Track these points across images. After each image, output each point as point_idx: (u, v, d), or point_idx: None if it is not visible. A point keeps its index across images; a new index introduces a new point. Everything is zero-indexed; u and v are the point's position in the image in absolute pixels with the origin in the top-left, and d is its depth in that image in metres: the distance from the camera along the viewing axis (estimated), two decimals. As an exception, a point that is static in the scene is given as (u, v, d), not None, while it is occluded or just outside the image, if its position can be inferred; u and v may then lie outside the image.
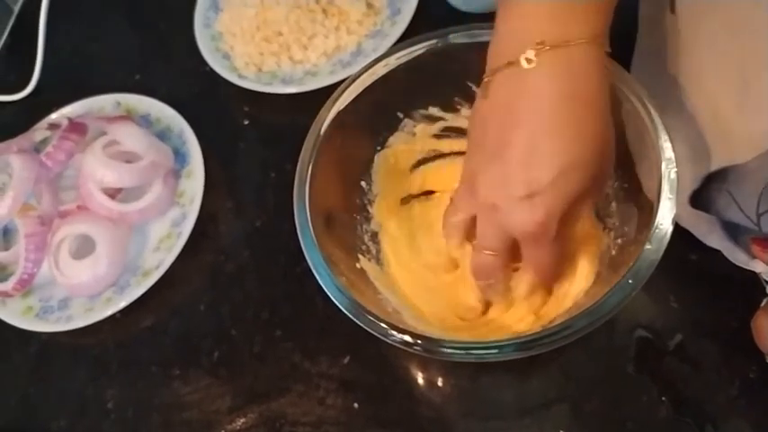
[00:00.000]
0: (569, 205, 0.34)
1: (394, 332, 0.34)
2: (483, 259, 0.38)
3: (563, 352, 0.40)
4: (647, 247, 0.32)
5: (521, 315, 0.41)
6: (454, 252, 0.43)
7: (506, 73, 0.33)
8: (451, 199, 0.40)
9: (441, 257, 0.44)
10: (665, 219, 0.33)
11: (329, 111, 0.41)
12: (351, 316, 0.35)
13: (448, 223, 0.41)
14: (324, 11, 0.61)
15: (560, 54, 0.32)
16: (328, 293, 0.36)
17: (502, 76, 0.33)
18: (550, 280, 0.40)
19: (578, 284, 0.40)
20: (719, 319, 0.42)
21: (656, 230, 0.33)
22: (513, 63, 0.32)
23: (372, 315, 0.35)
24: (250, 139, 0.59)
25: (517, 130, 0.33)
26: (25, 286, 0.51)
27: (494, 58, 0.34)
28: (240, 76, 0.59)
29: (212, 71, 0.60)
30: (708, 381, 0.41)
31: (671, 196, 0.33)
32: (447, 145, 0.47)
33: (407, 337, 0.34)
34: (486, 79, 0.35)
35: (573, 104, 0.32)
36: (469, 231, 0.40)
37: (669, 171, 0.34)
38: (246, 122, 0.60)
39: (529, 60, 0.32)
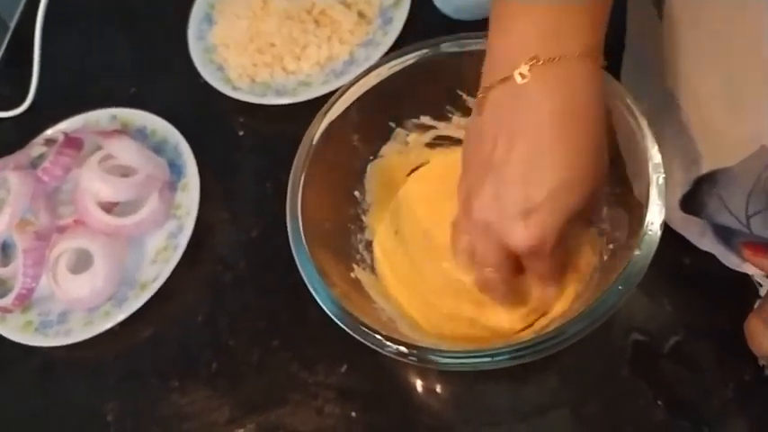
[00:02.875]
0: (567, 220, 0.33)
1: (389, 343, 0.34)
2: (486, 275, 0.38)
3: (559, 357, 0.40)
4: (637, 252, 0.33)
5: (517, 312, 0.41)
6: (467, 275, 0.42)
7: (501, 89, 0.33)
8: (453, 224, 0.40)
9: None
10: (653, 224, 0.33)
11: (320, 122, 0.41)
12: (346, 328, 0.35)
13: (457, 250, 0.40)
14: (316, 21, 0.61)
15: (554, 68, 0.31)
16: (323, 307, 0.36)
17: (496, 93, 0.33)
18: (556, 283, 0.40)
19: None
20: (714, 321, 0.42)
21: (645, 236, 0.33)
22: (508, 79, 0.32)
23: (367, 327, 0.35)
24: (245, 150, 0.59)
25: (512, 146, 0.32)
26: (24, 301, 0.52)
27: (488, 75, 0.34)
28: (234, 88, 0.60)
29: (207, 83, 0.61)
30: (703, 383, 0.41)
31: (659, 202, 0.34)
32: (440, 153, 0.48)
33: (402, 348, 0.34)
34: (480, 96, 0.34)
35: (568, 119, 0.32)
36: None
37: (657, 177, 0.34)
38: (241, 133, 0.60)
39: (523, 76, 0.32)
